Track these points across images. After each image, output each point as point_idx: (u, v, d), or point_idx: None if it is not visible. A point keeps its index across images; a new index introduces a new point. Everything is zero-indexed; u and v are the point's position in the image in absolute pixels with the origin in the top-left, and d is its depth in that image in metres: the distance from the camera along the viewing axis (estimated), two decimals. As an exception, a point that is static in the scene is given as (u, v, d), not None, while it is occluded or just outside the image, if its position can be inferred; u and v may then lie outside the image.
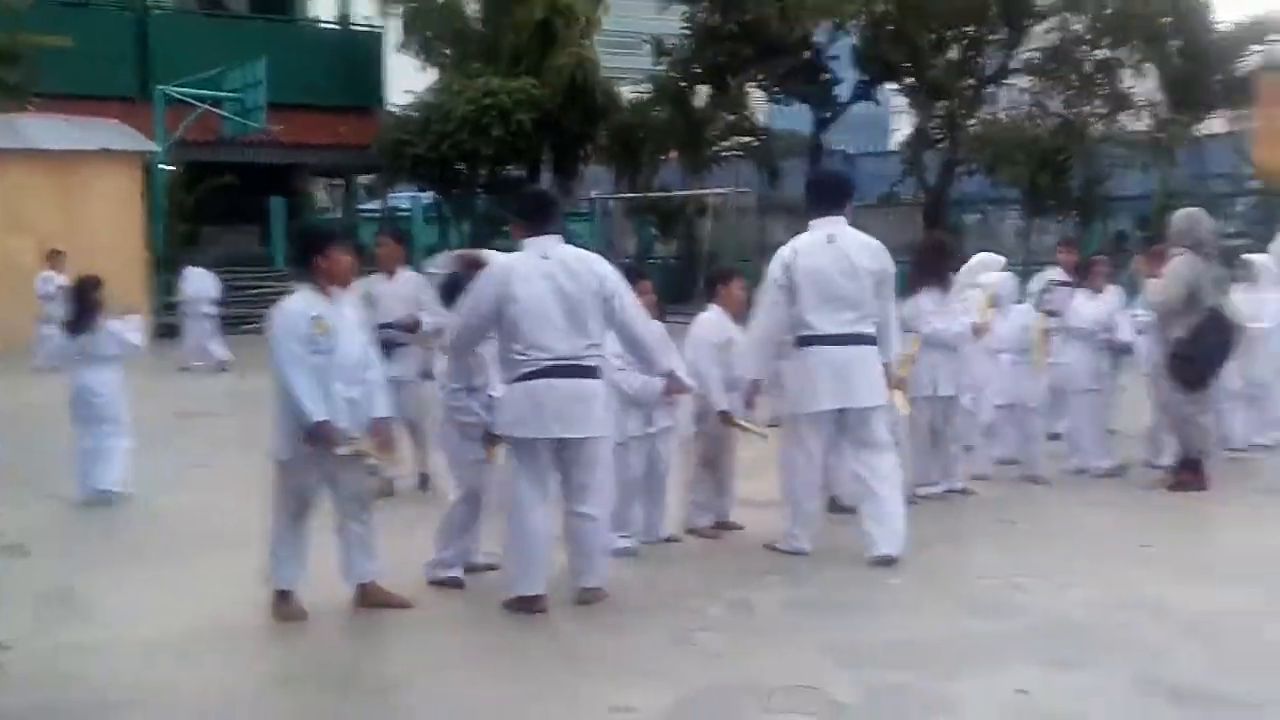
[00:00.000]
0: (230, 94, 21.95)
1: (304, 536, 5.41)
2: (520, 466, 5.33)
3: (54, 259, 15.95)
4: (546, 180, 26.70)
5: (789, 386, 6.25)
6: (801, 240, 6.18)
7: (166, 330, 19.74)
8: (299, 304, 5.27)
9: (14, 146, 18.12)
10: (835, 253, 6.02)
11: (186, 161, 22.18)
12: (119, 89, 22.96)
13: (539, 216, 5.49)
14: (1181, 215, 7.99)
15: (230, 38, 24.35)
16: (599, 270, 5.36)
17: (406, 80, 28.12)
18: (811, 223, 6.20)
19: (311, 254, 5.36)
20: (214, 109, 21.86)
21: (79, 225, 17.66)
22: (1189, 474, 7.66)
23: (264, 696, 4.59)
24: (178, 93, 21.33)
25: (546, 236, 5.38)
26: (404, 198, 29.02)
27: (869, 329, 6.05)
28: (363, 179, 30.68)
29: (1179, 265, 7.56)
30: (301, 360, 5.13)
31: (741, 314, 6.72)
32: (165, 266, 20.44)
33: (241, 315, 21.07)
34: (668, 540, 6.47)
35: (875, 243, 6.17)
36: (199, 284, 16.86)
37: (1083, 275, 8.47)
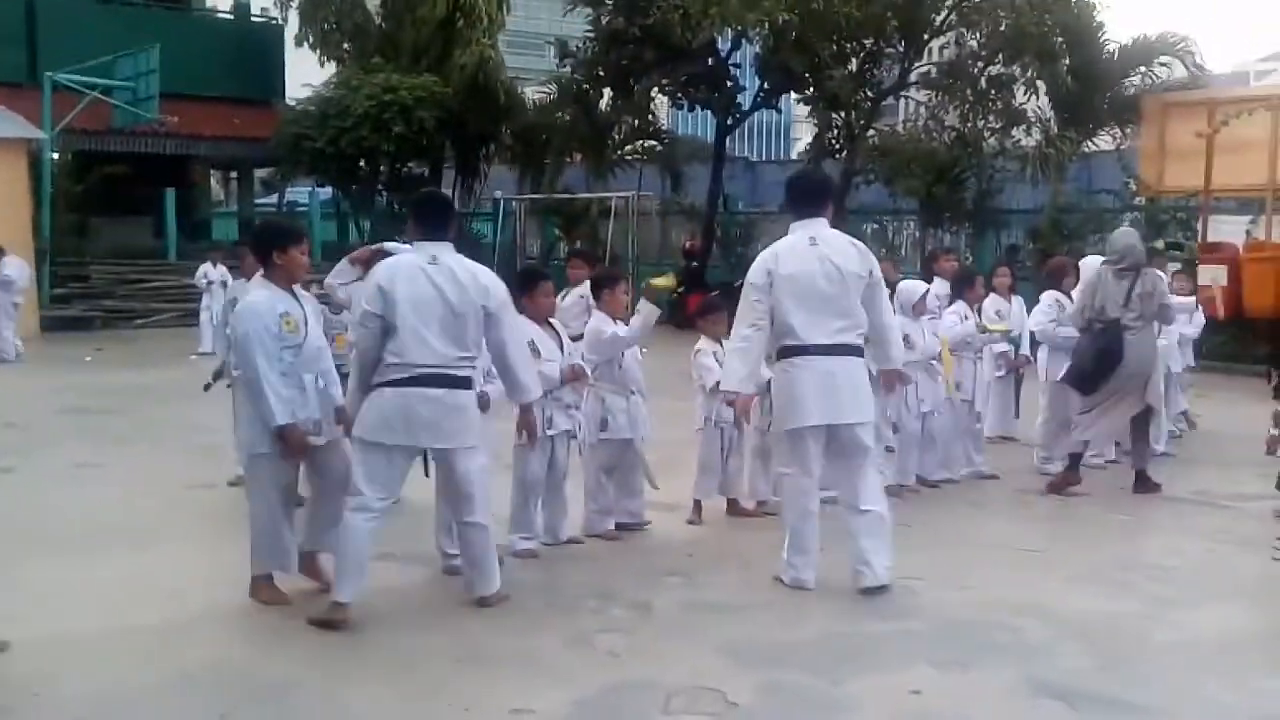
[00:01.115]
0: (122, 82, 21.35)
1: (288, 522, 5.50)
2: (368, 469, 5.19)
3: (-68, 249, 15.36)
4: (449, 179, 26.51)
5: (774, 401, 5.91)
6: (783, 243, 5.83)
7: (56, 323, 19.18)
8: (264, 303, 5.34)
9: (-110, 131, 17.43)
10: (818, 256, 5.65)
11: (75, 150, 21.53)
12: (4, 74, 22.19)
13: (431, 220, 5.41)
14: (1122, 234, 8.58)
15: (123, 25, 23.66)
16: (486, 283, 5.27)
17: (306, 74, 27.65)
18: (792, 225, 5.85)
19: (270, 250, 5.45)
20: (104, 97, 21.23)
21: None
22: (1069, 474, 8.03)
23: (158, 696, 4.48)
24: (67, 79, 20.68)
25: (437, 242, 5.30)
26: (302, 192, 28.54)
27: (856, 339, 5.71)
28: (260, 172, 30.09)
29: (1096, 277, 8.03)
30: (275, 359, 5.24)
31: (623, 317, 6.73)
32: (52, 257, 19.83)
33: (132, 310, 20.59)
34: (569, 542, 6.48)
35: (859, 245, 5.85)
36: (18, 273, 16.24)
37: (962, 286, 8.62)
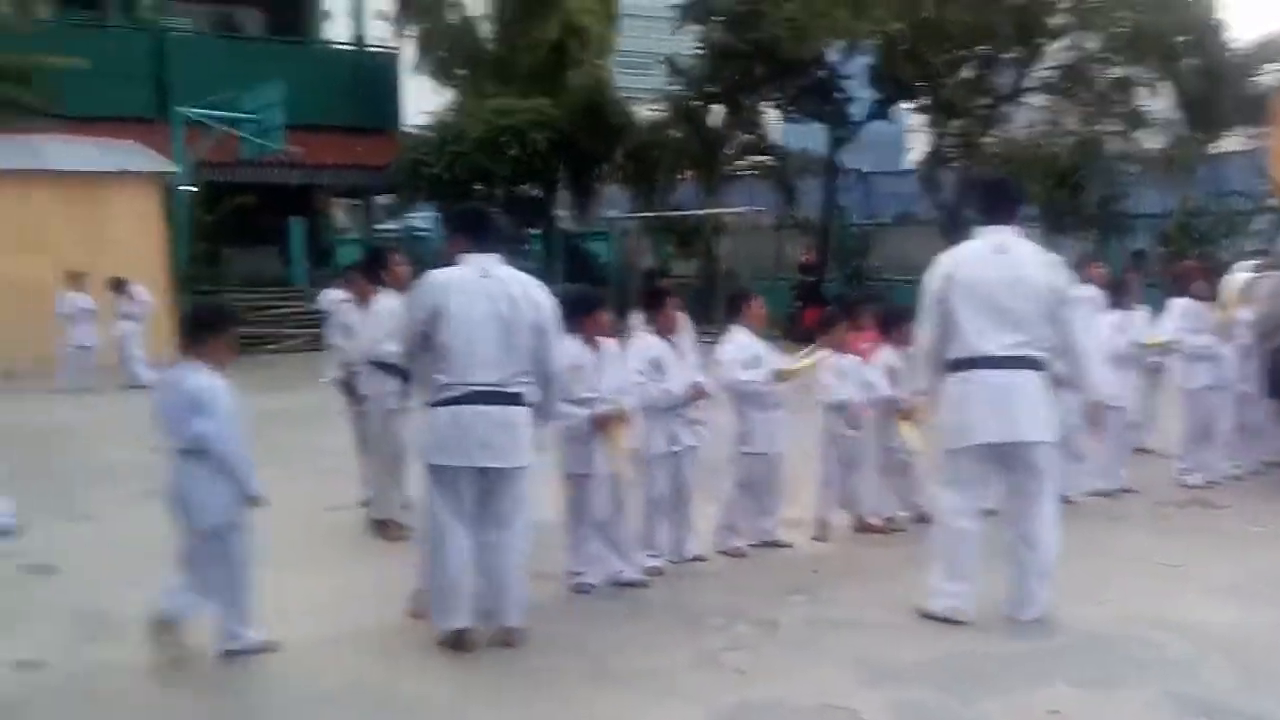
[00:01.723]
0: (248, 115, 22.07)
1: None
2: (438, 495, 5.09)
3: (75, 280, 16.07)
4: (563, 200, 26.82)
5: (942, 416, 5.52)
6: (964, 250, 5.47)
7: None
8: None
9: (35, 168, 18.22)
10: (1003, 265, 5.27)
11: (206, 182, 22.33)
12: (137, 110, 23.10)
13: (478, 232, 5.24)
14: None
15: (247, 59, 24.48)
16: (537, 298, 5.13)
17: (423, 101, 28.29)
18: (977, 230, 5.48)
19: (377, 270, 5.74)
20: (232, 130, 21.98)
21: (100, 246, 17.76)
22: None
23: (296, 714, 4.61)
24: (196, 114, 21.46)
25: (486, 254, 5.15)
26: (423, 218, 29.15)
27: (1037, 353, 5.28)
28: (381, 199, 30.82)
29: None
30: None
31: (763, 331, 6.78)
32: (187, 286, 20.56)
33: (263, 335, 21.22)
34: (694, 560, 6.48)
35: (1052, 257, 5.46)
36: (145, 302, 16.83)
37: (1118, 293, 8.40)
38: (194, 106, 21.41)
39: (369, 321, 7.20)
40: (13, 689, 4.88)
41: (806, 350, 6.98)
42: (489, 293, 5.02)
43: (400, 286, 6.64)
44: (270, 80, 21.55)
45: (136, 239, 18.71)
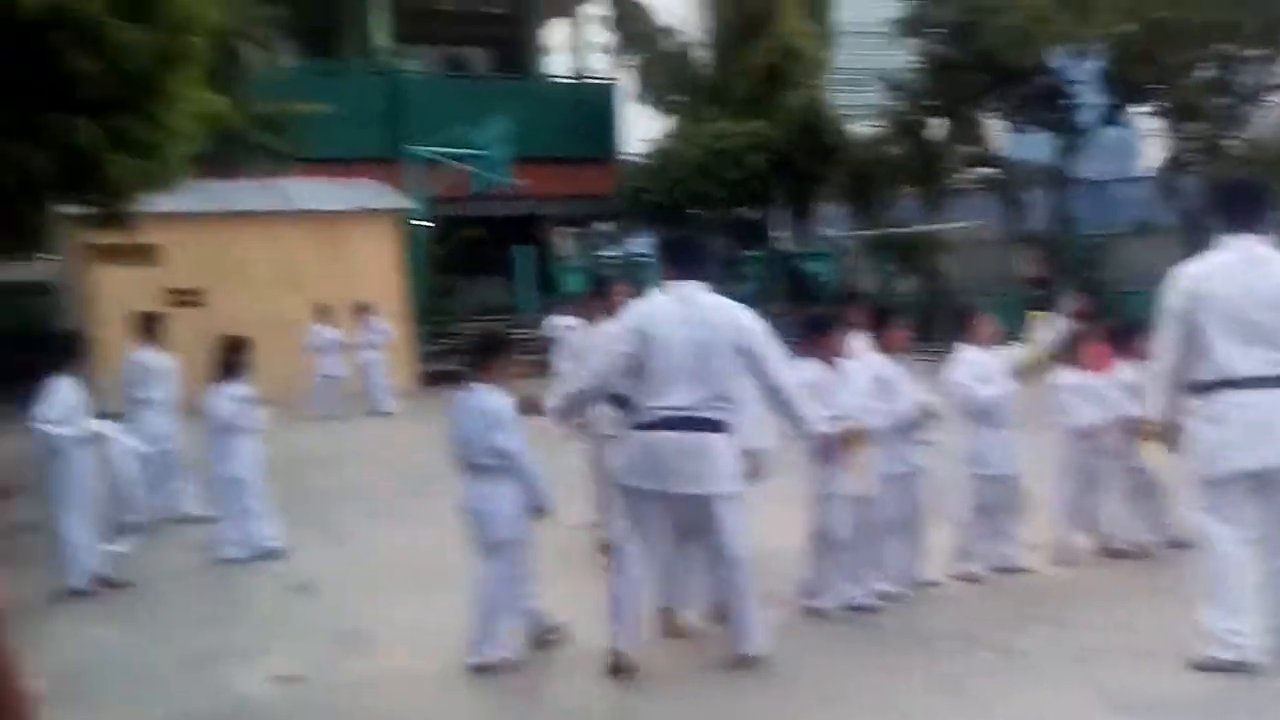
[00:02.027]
0: (476, 151, 22.97)
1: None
2: (626, 516, 5.18)
3: (322, 314, 17.10)
4: (782, 220, 26.79)
5: (1195, 441, 5.10)
6: (1211, 261, 5.03)
7: (430, 378, 20.75)
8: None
9: (284, 208, 19.46)
10: (1257, 278, 4.87)
11: (438, 216, 23.34)
12: (375, 151, 24.38)
13: (682, 261, 5.28)
14: None
15: (474, 98, 25.49)
16: (739, 321, 5.10)
17: (641, 129, 28.82)
18: (1224, 241, 5.04)
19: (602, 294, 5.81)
20: (462, 166, 22.91)
21: (345, 281, 18.80)
22: None
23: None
24: (428, 152, 22.48)
25: (689, 282, 5.18)
26: (643, 244, 29.65)
27: None
28: (602, 227, 31.53)
29: None
30: None
31: (992, 347, 6.60)
32: (424, 317, 21.50)
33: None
34: (927, 584, 6.33)
35: None
36: (384, 332, 17.74)
37: None
38: (426, 145, 22.43)
39: (594, 347, 7.36)
40: (275, 703, 5.20)
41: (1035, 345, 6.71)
42: (687, 318, 5.05)
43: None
44: (497, 117, 22.38)
45: (377, 273, 19.70)
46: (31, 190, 8.65)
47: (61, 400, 6.99)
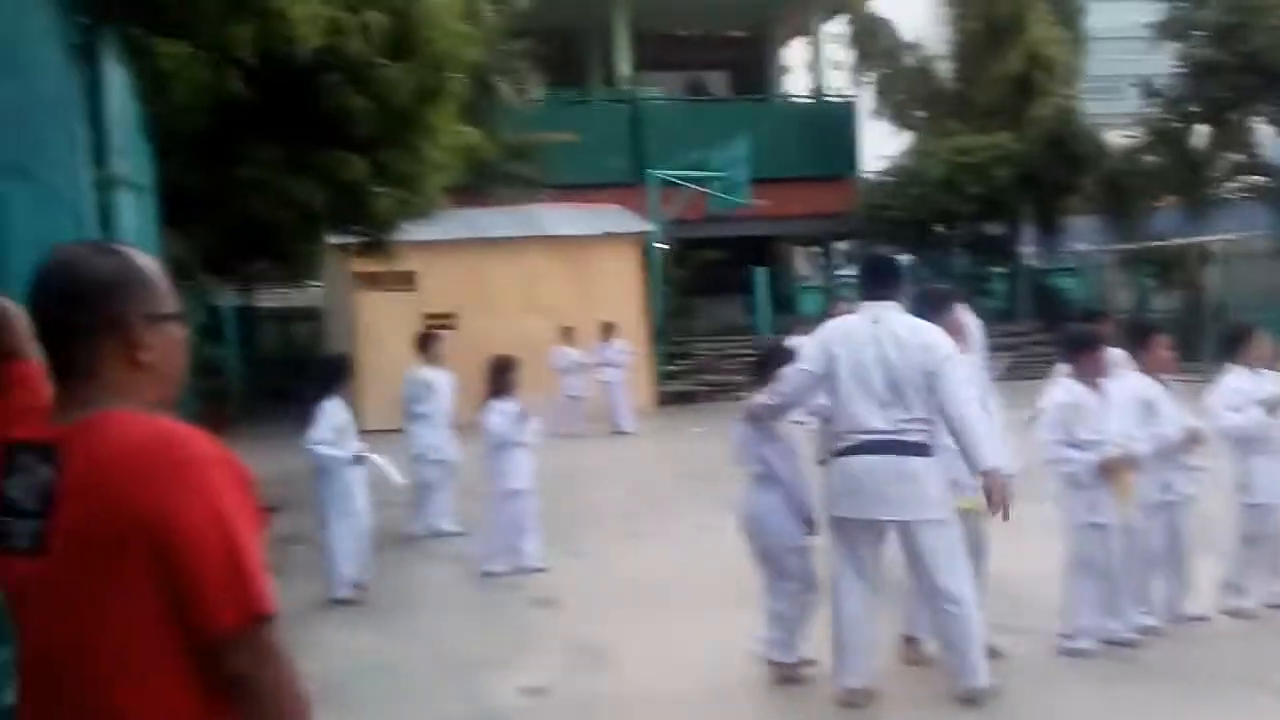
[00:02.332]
0: (715, 174, 23.19)
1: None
2: (837, 546, 5.11)
3: (567, 335, 17.61)
4: (1028, 235, 25.85)
5: None
6: None
7: (669, 398, 21.05)
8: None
9: (531, 234, 20.18)
10: None
11: (677, 238, 23.67)
12: (617, 176, 24.99)
13: (876, 281, 5.19)
14: None
15: (713, 120, 25.78)
16: (927, 342, 4.91)
17: (880, 146, 28.42)
18: None
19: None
20: (701, 188, 23.17)
21: (587, 303, 19.29)
22: None
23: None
24: (668, 176, 22.85)
25: (882, 302, 5.07)
26: (881, 261, 29.19)
27: None
28: (840, 245, 31.25)
29: None
30: None
31: (1264, 369, 6.14)
32: (662, 338, 21.83)
33: (732, 383, 22.07)
34: (1194, 619, 5.95)
35: None
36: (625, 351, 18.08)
37: None
38: (666, 169, 22.79)
39: None
40: (522, 713, 5.37)
41: None
42: (877, 339, 4.94)
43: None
44: (735, 138, 22.52)
45: (619, 295, 20.11)
46: (306, 223, 9.28)
47: (330, 421, 7.45)
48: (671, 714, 5.22)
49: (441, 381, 9.78)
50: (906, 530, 4.93)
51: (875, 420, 4.89)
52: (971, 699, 4.92)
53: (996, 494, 4.82)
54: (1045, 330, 20.67)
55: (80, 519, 1.61)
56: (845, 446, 5.01)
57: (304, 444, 7.48)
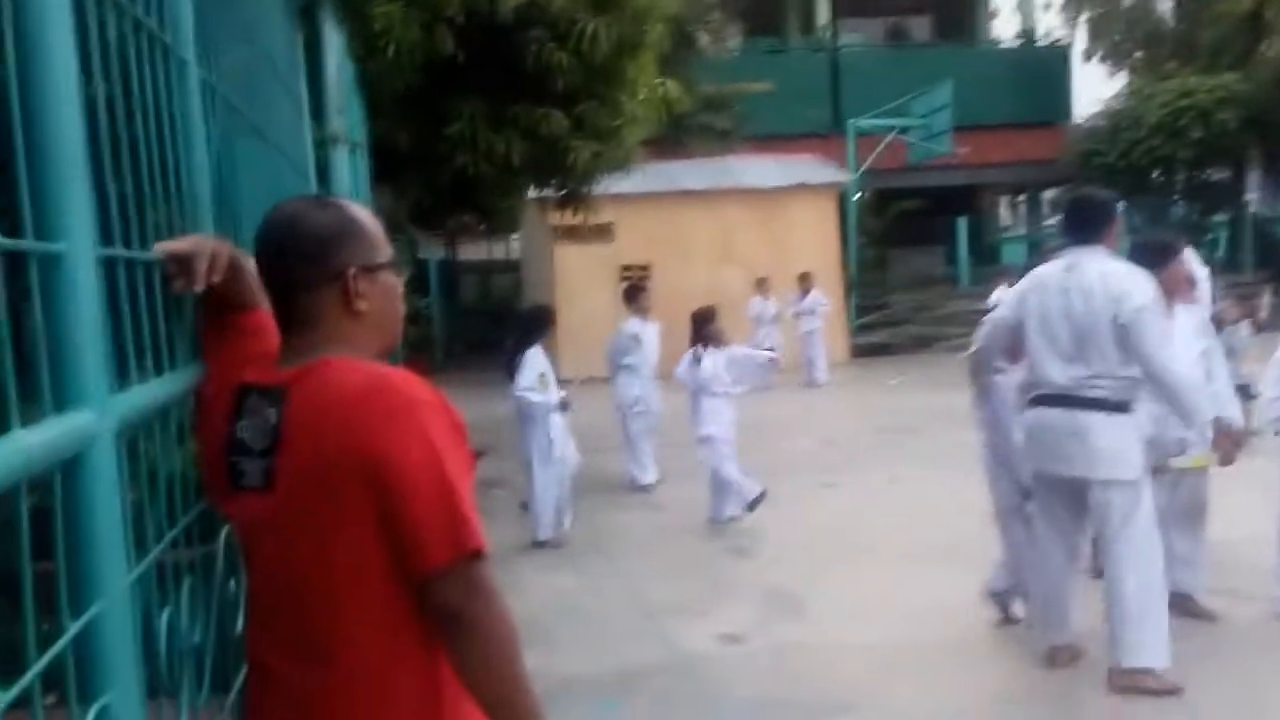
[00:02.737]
0: (916, 121, 22.61)
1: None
2: (1037, 501, 4.99)
3: (761, 287, 17.55)
4: (1254, 181, 24.30)
5: None
6: None
7: (862, 350, 20.79)
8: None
9: (726, 186, 20.14)
10: None
11: (874, 189, 23.21)
12: (814, 126, 24.63)
13: (1077, 225, 4.85)
14: None
15: (915, 66, 25.06)
16: (1119, 291, 4.53)
17: (1093, 90, 27.12)
18: None
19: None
20: (901, 137, 22.64)
21: (781, 254, 19.18)
22: None
23: (983, 713, 4.65)
24: (867, 125, 22.39)
25: (1084, 247, 4.73)
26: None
27: None
28: (1048, 194, 30.06)
29: None
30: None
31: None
32: (857, 289, 21.52)
33: (928, 335, 21.63)
34: None
35: None
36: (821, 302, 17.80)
37: None
38: (865, 118, 22.33)
39: None
40: (717, 660, 5.45)
41: None
42: (1066, 288, 4.66)
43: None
44: (938, 85, 21.86)
45: (814, 247, 19.91)
46: (507, 177, 9.51)
47: (534, 369, 7.68)
48: (865, 665, 5.20)
49: (649, 334, 9.90)
50: (1089, 487, 4.69)
51: (1056, 374, 4.70)
52: (1121, 682, 4.57)
53: (1222, 445, 4.57)
54: (1271, 281, 19.47)
55: (305, 458, 1.71)
56: (1030, 398, 4.89)
57: (510, 391, 7.74)
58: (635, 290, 10.17)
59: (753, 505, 8.15)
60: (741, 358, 8.78)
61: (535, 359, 7.76)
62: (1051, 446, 4.75)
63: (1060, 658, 4.91)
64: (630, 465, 9.73)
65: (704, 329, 8.52)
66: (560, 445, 7.85)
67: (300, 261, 1.82)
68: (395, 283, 1.91)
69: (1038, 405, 4.81)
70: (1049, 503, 4.91)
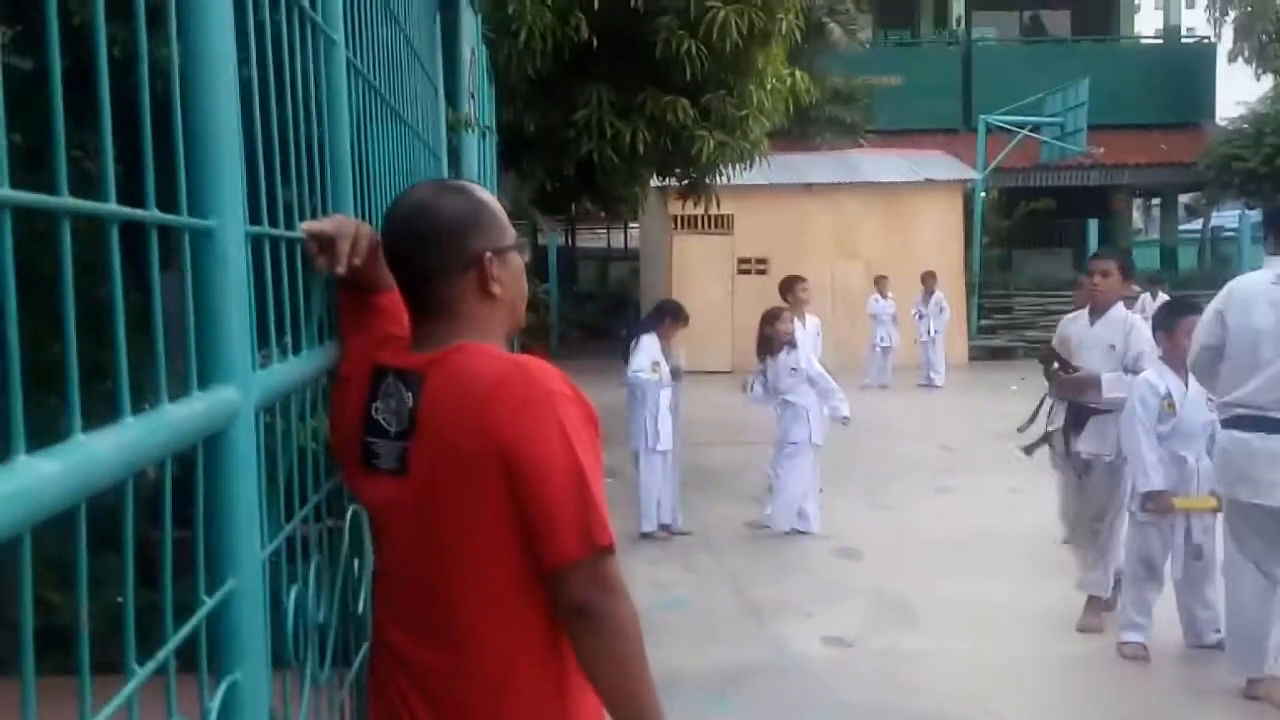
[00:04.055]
0: (1050, 119, 22.02)
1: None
2: (1228, 527, 4.68)
3: (880, 284, 17.28)
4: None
5: None
6: None
7: (982, 353, 20.35)
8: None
9: (847, 180, 19.88)
10: None
11: (1002, 187, 22.67)
12: (943, 121, 24.17)
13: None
14: None
15: (1050, 62, 24.38)
16: None
17: (1237, 91, 26.09)
18: None
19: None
20: (1033, 134, 22.08)
21: (903, 251, 18.87)
22: None
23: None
24: (999, 121, 21.87)
25: None
26: (1230, 216, 26.93)
27: None
28: (1184, 198, 29.05)
29: None
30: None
31: None
32: (979, 290, 21.07)
33: (1046, 339, 21.04)
34: None
35: None
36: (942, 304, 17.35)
37: None
38: (997, 113, 21.82)
39: None
40: (823, 662, 5.37)
41: None
42: (1273, 301, 4.40)
43: None
44: (1075, 82, 21.24)
45: (937, 245, 19.55)
46: (631, 164, 9.50)
47: (648, 354, 7.66)
48: (975, 676, 5.09)
49: (807, 330, 8.84)
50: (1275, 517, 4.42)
51: (1252, 394, 4.41)
52: (1257, 693, 4.54)
53: None
54: None
55: (440, 444, 1.71)
56: (1225, 418, 4.59)
57: (624, 375, 7.73)
58: (792, 282, 8.97)
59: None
60: (819, 378, 7.90)
61: (650, 345, 7.72)
62: (1249, 472, 4.46)
63: (1259, 691, 4.61)
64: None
65: (765, 332, 7.94)
66: (667, 436, 7.76)
67: (436, 247, 1.81)
68: (520, 264, 1.91)
69: (1234, 427, 4.52)
70: (1243, 531, 4.62)
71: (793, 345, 7.87)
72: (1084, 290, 6.04)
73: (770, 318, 7.98)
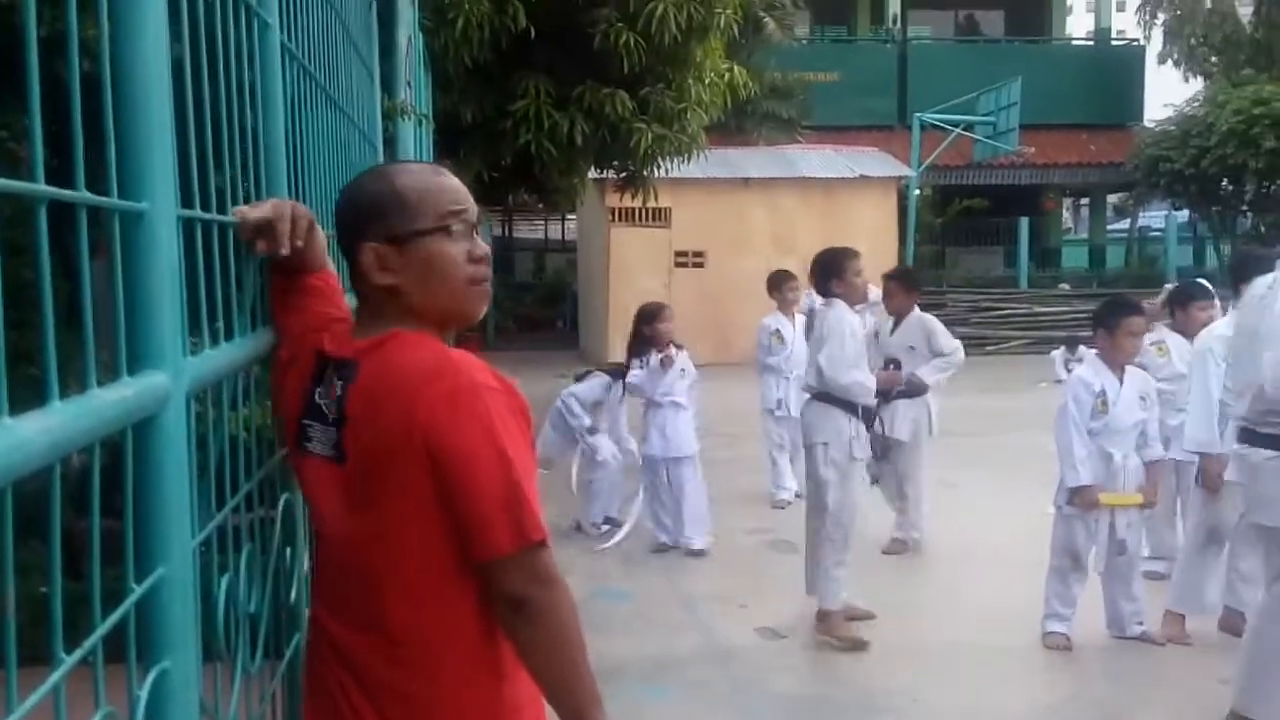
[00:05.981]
0: (983, 118, 22.31)
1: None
2: (1265, 556, 4.33)
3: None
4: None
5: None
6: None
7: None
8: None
9: (784, 175, 19.99)
10: None
11: (936, 185, 22.94)
12: (879, 118, 24.40)
13: None
14: None
15: (985, 62, 24.72)
16: None
17: (1166, 94, 26.61)
18: None
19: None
20: (967, 133, 22.36)
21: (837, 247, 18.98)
22: None
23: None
24: (933, 119, 22.12)
25: None
26: (1156, 216, 27.50)
27: None
28: (1112, 198, 29.59)
29: None
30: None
31: None
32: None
33: (983, 336, 21.39)
34: None
35: None
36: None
37: None
38: (932, 111, 22.07)
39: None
40: (757, 653, 5.41)
41: None
42: (1272, 307, 4.11)
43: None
44: (1006, 81, 21.56)
45: (872, 241, 19.63)
46: (569, 156, 9.48)
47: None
48: (911, 667, 5.15)
49: (792, 329, 8.60)
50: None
51: (1247, 405, 4.21)
52: None
53: None
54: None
55: (370, 434, 1.69)
56: (1242, 434, 4.33)
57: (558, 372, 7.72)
58: (779, 277, 8.65)
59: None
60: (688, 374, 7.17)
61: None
62: (1262, 492, 4.22)
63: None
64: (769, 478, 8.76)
65: (642, 330, 7.17)
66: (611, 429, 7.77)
67: (342, 233, 1.84)
68: (443, 251, 1.79)
69: (1250, 444, 4.27)
70: (1266, 554, 4.34)
71: (678, 347, 7.22)
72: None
73: (648, 315, 7.19)
